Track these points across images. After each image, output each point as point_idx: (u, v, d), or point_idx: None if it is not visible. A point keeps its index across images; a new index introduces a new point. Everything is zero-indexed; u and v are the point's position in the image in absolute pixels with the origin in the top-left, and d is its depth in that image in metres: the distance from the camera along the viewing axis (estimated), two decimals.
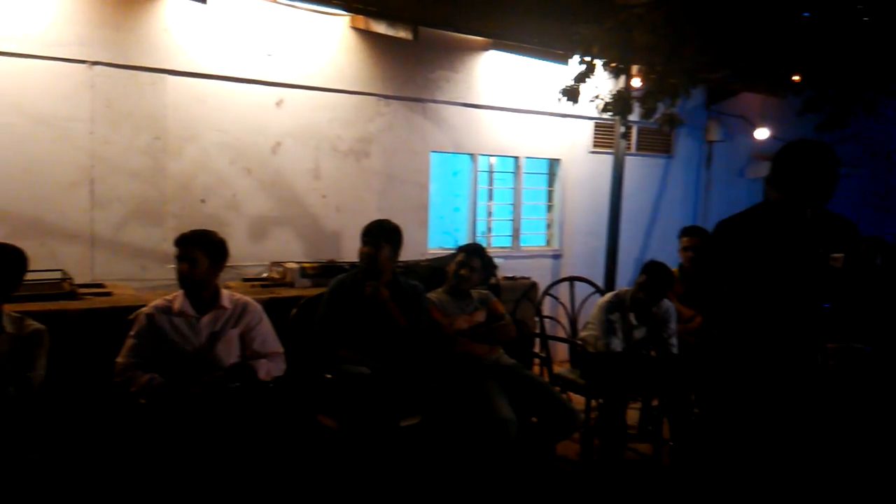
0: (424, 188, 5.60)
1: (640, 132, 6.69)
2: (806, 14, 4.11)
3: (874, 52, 4.72)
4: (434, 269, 4.14)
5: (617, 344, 3.95)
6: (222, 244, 3.04)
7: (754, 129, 7.47)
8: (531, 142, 6.14)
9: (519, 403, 3.42)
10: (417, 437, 3.21)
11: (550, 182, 6.50)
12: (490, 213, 6.16)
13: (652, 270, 3.94)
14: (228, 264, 3.11)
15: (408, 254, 5.24)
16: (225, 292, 3.12)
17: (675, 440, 3.83)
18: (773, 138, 7.76)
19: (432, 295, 3.70)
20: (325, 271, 4.11)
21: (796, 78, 4.57)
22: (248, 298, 3.17)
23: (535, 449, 3.56)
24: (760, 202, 2.76)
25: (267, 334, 3.11)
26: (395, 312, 3.35)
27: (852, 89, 5.21)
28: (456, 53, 5.60)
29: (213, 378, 2.84)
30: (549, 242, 6.54)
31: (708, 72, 4.31)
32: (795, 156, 2.49)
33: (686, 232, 4.53)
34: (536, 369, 4.26)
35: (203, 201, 4.62)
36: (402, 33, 4.63)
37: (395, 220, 3.64)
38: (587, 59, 4.45)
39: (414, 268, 4.25)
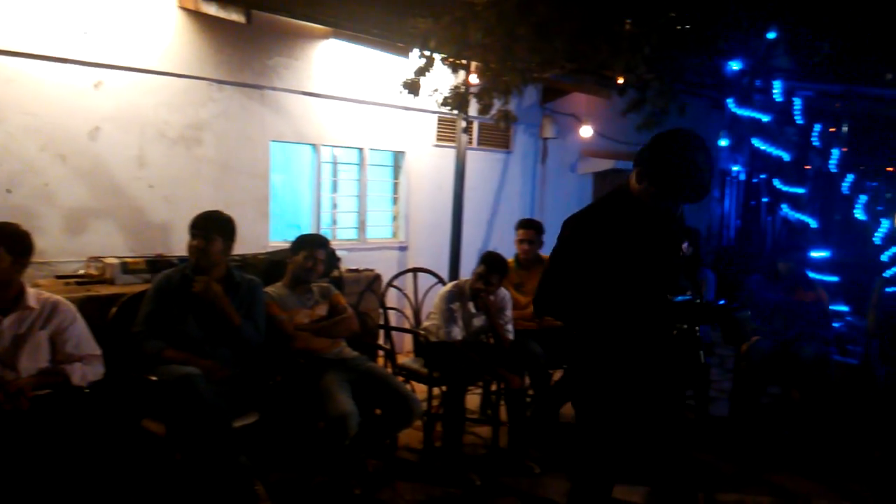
0: (264, 178, 5.40)
1: (480, 127, 6.89)
2: (628, 20, 4.44)
3: (686, 58, 5.18)
4: (273, 263, 4.01)
5: (457, 332, 4.05)
6: (25, 237, 2.76)
7: (590, 128, 7.96)
8: (376, 133, 6.13)
9: (361, 396, 3.41)
10: (254, 436, 3.11)
11: (396, 174, 6.53)
12: (335, 205, 6.08)
13: (489, 261, 4.07)
14: (39, 260, 2.83)
15: (248, 247, 5.05)
16: (31, 291, 2.83)
17: (511, 422, 3.99)
18: (598, 136, 8.33)
19: (270, 289, 3.58)
20: (150, 266, 3.84)
21: (620, 80, 4.90)
22: (58, 297, 2.90)
23: (377, 439, 3.57)
24: (613, 194, 2.52)
25: (81, 336, 2.86)
26: (228, 309, 3.20)
27: (668, 92, 5.68)
28: (295, 40, 5.44)
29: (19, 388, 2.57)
30: (395, 235, 6.57)
31: (539, 71, 4.52)
32: (677, 147, 2.28)
33: (521, 224, 4.72)
34: (381, 361, 4.27)
35: (9, 191, 4.14)
36: (235, 16, 4.42)
37: (233, 211, 3.48)
38: (426, 53, 4.50)
39: (251, 261, 4.09)
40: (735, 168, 10.48)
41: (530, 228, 4.67)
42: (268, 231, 5.46)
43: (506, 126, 5.11)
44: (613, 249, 2.34)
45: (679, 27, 4.68)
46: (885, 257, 5.93)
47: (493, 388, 4.26)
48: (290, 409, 3.31)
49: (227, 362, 3.20)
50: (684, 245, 4.72)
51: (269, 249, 5.03)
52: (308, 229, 5.84)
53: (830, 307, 4.77)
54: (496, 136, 7.11)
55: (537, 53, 4.22)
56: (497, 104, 4.89)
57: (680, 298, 2.41)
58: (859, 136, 9.15)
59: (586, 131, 7.83)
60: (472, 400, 4.93)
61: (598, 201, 2.60)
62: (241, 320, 3.23)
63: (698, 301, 2.47)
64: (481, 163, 7.05)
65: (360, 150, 6.10)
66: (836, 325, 4.95)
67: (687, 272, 2.64)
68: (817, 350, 4.30)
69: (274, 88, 5.36)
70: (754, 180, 10.32)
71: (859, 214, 6.41)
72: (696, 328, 2.44)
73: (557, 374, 4.62)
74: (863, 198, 6.51)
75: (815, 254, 5.16)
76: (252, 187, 5.30)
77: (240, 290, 3.32)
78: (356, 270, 4.56)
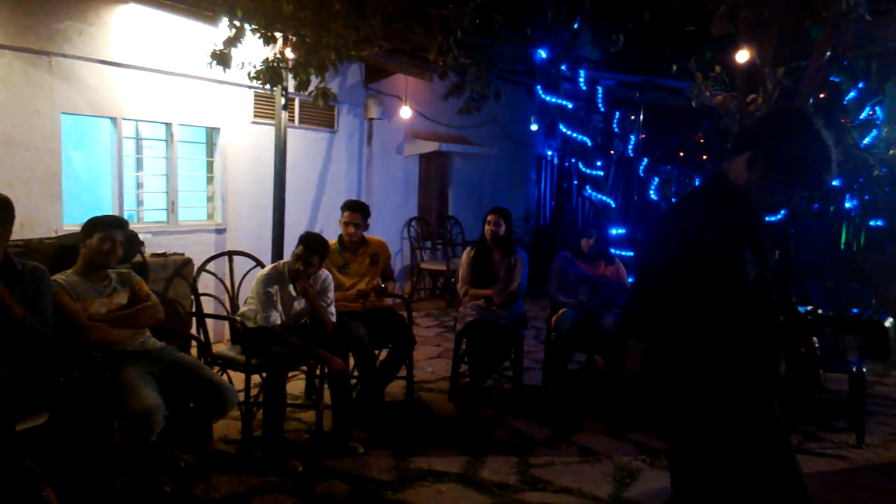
0: (55, 154, 4.86)
1: (302, 105, 6.71)
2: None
3: (499, 45, 5.37)
4: (63, 248, 3.61)
5: (276, 317, 3.92)
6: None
7: (410, 110, 8.03)
8: (186, 108, 5.74)
9: (169, 388, 3.20)
10: (44, 438, 2.81)
11: (210, 152, 6.17)
12: (140, 185, 5.62)
13: (307, 241, 3.98)
14: None
15: (36, 230, 4.53)
16: None
17: (335, 404, 3.95)
18: (424, 118, 8.46)
19: (59, 277, 3.23)
20: None
21: (432, 61, 4.96)
22: None
23: (188, 433, 3.37)
24: (714, 186, 2.11)
25: None
26: (6, 300, 2.84)
27: (484, 77, 5.87)
28: (89, 3, 4.93)
29: None
30: (211, 216, 6.22)
31: (357, 49, 4.46)
32: (805, 126, 1.96)
33: (347, 206, 4.66)
34: (195, 351, 4.03)
35: None
36: None
37: (16, 191, 3.12)
38: (236, 23, 4.27)
39: (37, 246, 3.66)
40: (549, 152, 11.16)
41: (356, 211, 4.62)
42: (60, 213, 4.93)
43: (325, 104, 5.00)
44: (733, 253, 1.94)
45: (489, 13, 4.81)
46: None
47: (318, 372, 4.19)
48: (86, 406, 3.02)
49: (8, 359, 2.85)
50: (501, 229, 4.96)
51: (64, 233, 4.55)
52: (109, 211, 5.35)
53: (628, 280, 5.22)
54: (320, 115, 6.96)
55: (354, 30, 4.15)
56: (315, 81, 4.76)
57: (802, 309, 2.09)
58: (655, 124, 10.11)
59: (406, 112, 7.91)
60: (297, 385, 4.84)
61: (699, 194, 2.14)
62: (23, 312, 2.88)
63: (821, 312, 2.16)
64: (304, 142, 6.87)
65: (169, 125, 5.68)
66: None
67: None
68: (616, 319, 4.69)
69: (65, 55, 4.83)
70: (566, 164, 11.06)
71: (653, 195, 7.10)
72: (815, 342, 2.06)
73: (383, 354, 4.66)
74: (655, 180, 7.19)
75: (615, 231, 5.61)
76: (39, 164, 4.75)
77: (21, 279, 2.95)
78: (163, 255, 4.25)
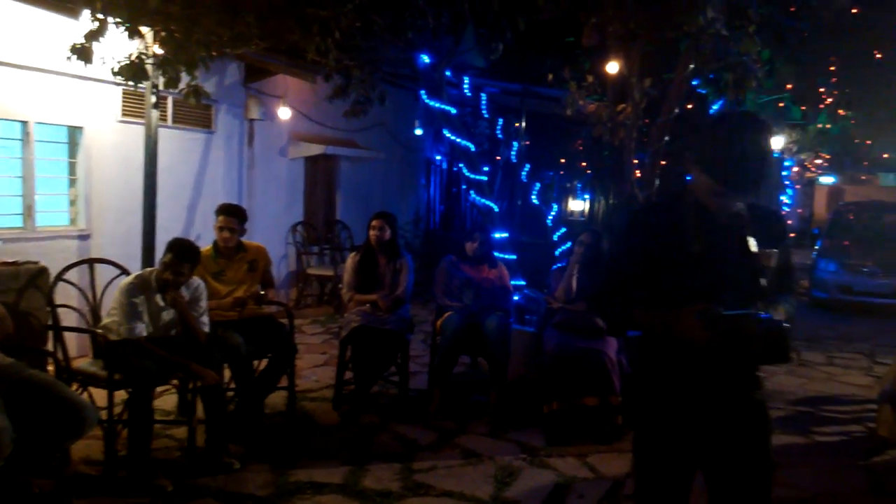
0: None
1: (175, 104, 6.38)
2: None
3: (382, 48, 5.34)
4: None
5: (142, 328, 3.69)
6: None
7: (291, 111, 7.84)
8: (45, 105, 5.30)
9: (18, 408, 2.92)
10: None
11: (73, 153, 5.73)
12: None
13: (176, 248, 3.77)
14: None
15: None
16: None
17: (209, 419, 3.76)
18: (308, 120, 8.29)
19: None
20: None
21: (311, 60, 4.86)
22: None
23: (42, 456, 3.10)
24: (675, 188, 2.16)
25: None
26: None
27: (368, 80, 5.83)
28: None
29: None
30: (73, 221, 5.78)
31: (231, 47, 4.29)
32: (727, 126, 1.93)
33: (221, 210, 4.46)
34: (53, 367, 3.72)
35: None
36: None
37: None
38: (99, 16, 3.98)
39: None
40: (438, 157, 11.26)
41: (231, 215, 4.43)
42: None
43: (198, 103, 4.77)
44: (655, 252, 1.99)
45: (369, 15, 4.77)
46: (555, 237, 6.81)
47: (191, 386, 3.97)
48: None
49: None
50: (386, 233, 4.90)
51: None
52: None
53: (511, 282, 5.34)
54: (195, 115, 6.65)
55: (227, 27, 3.98)
56: (186, 79, 4.53)
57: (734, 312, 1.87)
58: (538, 131, 10.42)
59: (284, 113, 7.71)
60: (170, 400, 4.58)
61: (660, 196, 2.32)
62: None
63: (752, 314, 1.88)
64: (178, 142, 6.54)
65: (24, 123, 5.23)
66: (515, 297, 5.55)
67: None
68: (499, 321, 4.77)
69: None
70: (455, 168, 11.20)
71: (535, 200, 7.30)
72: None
73: (264, 365, 4.49)
74: (537, 185, 7.39)
75: (498, 235, 5.71)
76: None
77: None
78: (14, 263, 3.89)
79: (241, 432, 4.09)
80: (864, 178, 21.24)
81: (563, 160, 10.26)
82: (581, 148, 9.55)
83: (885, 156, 11.04)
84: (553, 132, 10.40)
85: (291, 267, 8.40)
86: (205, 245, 4.41)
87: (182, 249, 3.77)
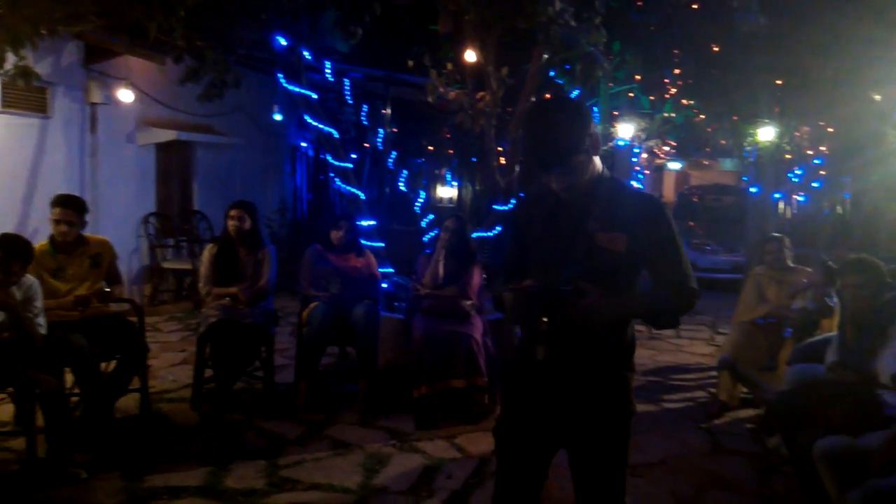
0: None
1: (4, 86, 5.78)
2: None
3: (236, 28, 5.09)
4: None
5: None
6: None
7: (137, 94, 7.33)
8: None
9: None
10: None
11: None
12: None
13: (4, 245, 3.42)
14: None
15: None
16: None
17: (49, 427, 3.45)
18: (159, 105, 7.80)
19: None
20: None
21: (152, 38, 4.53)
22: None
23: None
24: None
25: None
26: None
27: (222, 62, 5.54)
28: None
29: None
30: None
31: (65, 24, 3.91)
32: (536, 114, 2.01)
33: (56, 202, 4.07)
34: None
35: None
36: None
37: None
38: None
39: None
40: (304, 144, 10.96)
41: (67, 206, 4.06)
42: None
43: (28, 85, 4.32)
44: (519, 235, 2.15)
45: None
46: (423, 223, 6.85)
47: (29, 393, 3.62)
48: None
49: None
50: (245, 223, 4.68)
51: None
52: None
53: (379, 269, 5.31)
54: (27, 98, 6.06)
55: (59, 3, 3.62)
56: (14, 59, 4.09)
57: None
58: (406, 118, 10.42)
59: (127, 95, 7.20)
60: (6, 410, 4.17)
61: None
62: None
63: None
64: (9, 129, 5.96)
65: None
66: (384, 285, 5.53)
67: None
68: (367, 310, 4.73)
69: None
70: (322, 155, 10.96)
71: (403, 187, 7.30)
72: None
73: (111, 366, 4.19)
74: (405, 172, 7.39)
75: (365, 223, 5.66)
76: None
77: None
78: None
79: (89, 439, 3.80)
80: (706, 163, 23.03)
81: (430, 148, 10.33)
82: (448, 136, 9.64)
83: (723, 142, 12.02)
84: (421, 119, 10.42)
85: (144, 261, 7.89)
86: (43, 240, 4.05)
87: (10, 246, 3.42)
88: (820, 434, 2.98)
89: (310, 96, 5.52)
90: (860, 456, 2.73)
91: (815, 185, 13.48)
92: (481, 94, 4.92)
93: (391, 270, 5.79)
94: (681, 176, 25.19)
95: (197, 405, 4.53)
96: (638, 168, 12.67)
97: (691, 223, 12.92)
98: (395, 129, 10.16)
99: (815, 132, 10.87)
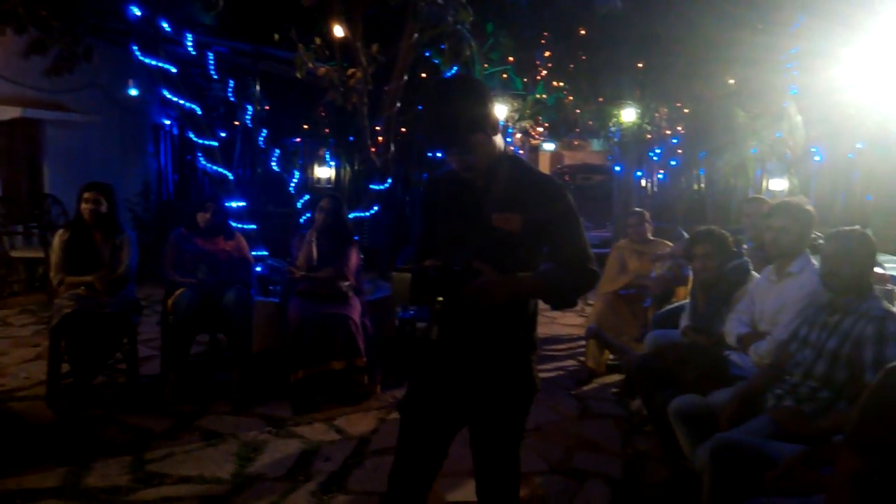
0: None
1: None
2: None
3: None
4: None
5: None
6: None
7: None
8: None
9: None
10: None
11: None
12: None
13: None
14: None
15: None
16: None
17: None
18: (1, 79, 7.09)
19: None
20: None
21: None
22: None
23: None
24: None
25: None
26: None
27: (70, 33, 5.11)
28: None
29: None
30: None
31: None
32: (427, 94, 2.00)
33: None
34: None
35: None
36: None
37: None
38: None
39: None
40: (167, 122, 10.34)
41: None
42: None
43: None
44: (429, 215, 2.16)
45: None
46: (299, 204, 6.68)
47: None
48: None
49: None
50: (102, 206, 4.35)
51: None
52: None
53: (252, 253, 5.12)
54: None
55: None
56: None
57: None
58: (278, 95, 10.07)
59: None
60: None
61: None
62: None
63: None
64: None
65: None
66: (258, 268, 5.35)
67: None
68: (238, 294, 4.56)
69: None
70: (188, 134, 10.38)
71: (275, 167, 7.07)
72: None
73: None
74: (277, 151, 7.16)
75: (235, 204, 5.43)
76: None
77: None
78: None
79: None
80: (576, 143, 24.01)
81: (305, 126, 10.05)
82: (323, 114, 9.42)
83: (590, 123, 12.56)
84: (296, 96, 10.11)
85: None
86: None
87: None
88: (674, 394, 3.20)
89: (168, 70, 5.19)
90: (709, 412, 2.96)
91: (672, 163, 14.40)
92: (352, 70, 4.84)
93: (265, 253, 5.61)
94: (555, 156, 26.14)
95: (53, 402, 4.20)
96: (513, 148, 13.01)
97: None
98: (267, 107, 9.80)
99: (673, 113, 11.59)
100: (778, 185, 10.19)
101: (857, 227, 2.81)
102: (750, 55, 8.10)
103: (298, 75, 5.01)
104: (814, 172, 11.10)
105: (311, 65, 4.86)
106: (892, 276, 4.46)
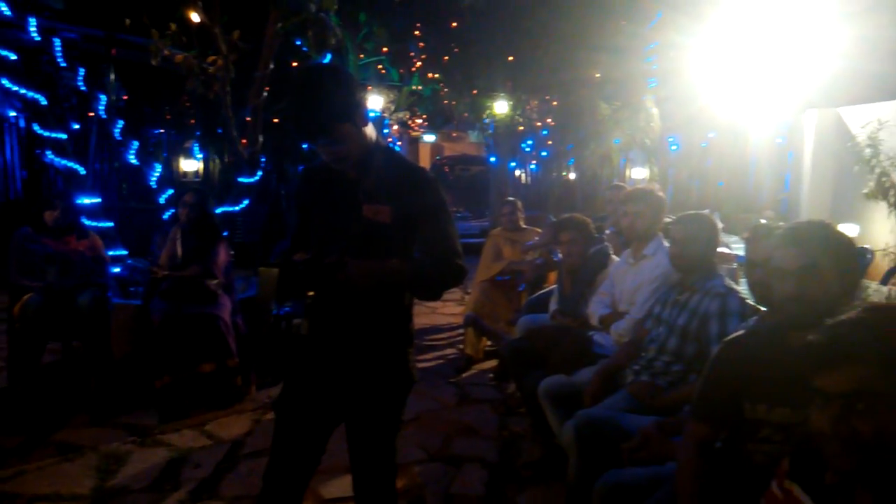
0: None
1: None
2: None
3: None
4: None
5: None
6: None
7: None
8: None
9: None
10: None
11: None
12: None
13: None
14: None
15: None
16: None
17: None
18: None
19: None
20: None
21: None
22: None
23: None
24: None
25: None
26: None
27: None
28: None
29: None
30: None
31: None
32: (293, 83, 1.89)
33: None
34: None
35: None
36: None
37: None
38: None
39: None
40: (13, 113, 9.46)
41: None
42: None
43: None
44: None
45: None
46: (162, 200, 6.31)
47: None
48: None
49: None
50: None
51: None
52: None
53: (108, 252, 4.79)
54: None
55: None
56: None
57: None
58: (138, 84, 9.45)
59: None
60: None
61: None
62: None
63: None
64: None
65: None
66: (116, 269, 5.02)
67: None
68: (93, 297, 4.27)
69: None
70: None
71: (134, 160, 6.65)
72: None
73: None
74: (135, 144, 6.74)
75: (88, 200, 5.06)
76: None
77: None
78: None
79: None
80: (455, 135, 24.35)
81: (168, 117, 9.52)
82: (188, 104, 8.96)
83: (466, 115, 12.77)
84: (158, 86, 9.53)
85: None
86: None
87: None
88: (543, 375, 3.32)
89: (7, 57, 4.74)
90: (575, 391, 3.09)
91: (544, 154, 14.94)
92: (213, 57, 4.61)
93: (124, 253, 5.27)
94: (435, 147, 26.39)
95: None
96: (391, 140, 12.99)
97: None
98: (125, 97, 9.18)
99: (543, 105, 12.01)
100: (639, 173, 10.82)
101: (702, 211, 3.03)
102: (614, 43, 8.53)
103: (153, 63, 4.72)
104: (672, 161, 11.90)
105: (167, 52, 4.59)
106: (737, 256, 4.85)
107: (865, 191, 6.54)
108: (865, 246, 5.99)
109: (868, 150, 6.41)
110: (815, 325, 1.24)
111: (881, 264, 6.18)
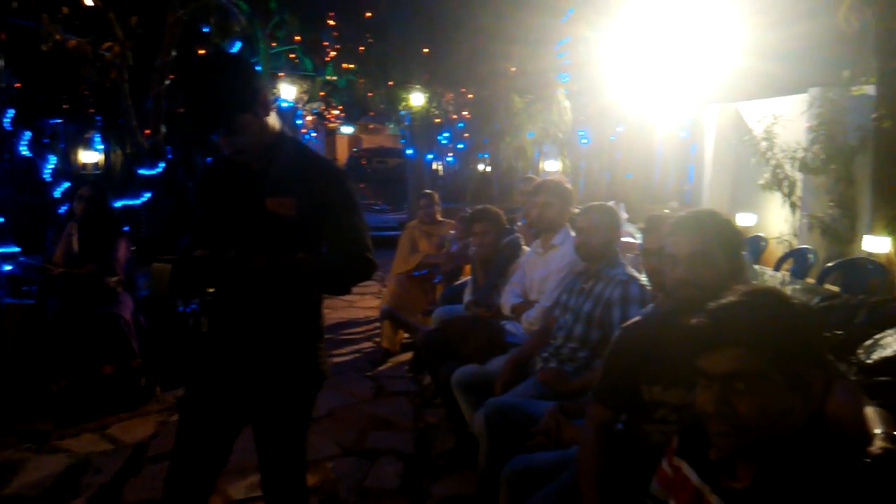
0: None
1: None
2: None
3: None
4: None
5: None
6: None
7: None
8: None
9: None
10: None
11: None
12: None
13: None
14: None
15: None
16: None
17: None
18: None
19: None
20: None
21: None
22: None
23: None
24: None
25: None
26: None
27: None
28: None
29: None
30: None
31: None
32: (192, 71, 1.85)
33: None
34: None
35: None
36: None
37: None
38: None
39: None
40: None
41: None
42: None
43: None
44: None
45: None
46: (57, 193, 5.96)
47: None
48: None
49: None
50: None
51: None
52: None
53: (1, 250, 4.49)
54: None
55: None
56: None
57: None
58: (30, 70, 8.88)
59: None
60: None
61: None
62: None
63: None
64: None
65: None
66: (7, 267, 4.71)
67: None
68: None
69: None
70: None
71: (26, 151, 6.24)
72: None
73: None
74: (28, 134, 6.33)
75: None
76: None
77: None
78: None
79: None
80: (371, 126, 24.18)
81: (66, 106, 8.98)
82: (87, 92, 8.48)
83: (382, 107, 12.69)
84: (55, 73, 8.98)
85: None
86: None
87: None
88: (457, 365, 3.35)
89: None
90: (487, 380, 3.13)
91: (460, 146, 15.05)
92: (109, 43, 4.38)
93: (15, 250, 4.95)
94: (353, 139, 26.12)
95: None
96: (305, 130, 12.75)
97: (361, 185, 13.51)
98: (17, 84, 8.61)
99: (459, 98, 12.08)
100: (552, 166, 11.06)
101: (605, 202, 3.12)
102: (528, 36, 8.66)
103: (44, 48, 4.43)
104: (583, 154, 12.23)
105: (58, 36, 4.32)
106: (639, 245, 5.03)
107: (761, 182, 6.93)
108: (759, 234, 6.36)
109: (764, 144, 6.78)
110: (705, 309, 1.30)
111: (776, 251, 6.56)
